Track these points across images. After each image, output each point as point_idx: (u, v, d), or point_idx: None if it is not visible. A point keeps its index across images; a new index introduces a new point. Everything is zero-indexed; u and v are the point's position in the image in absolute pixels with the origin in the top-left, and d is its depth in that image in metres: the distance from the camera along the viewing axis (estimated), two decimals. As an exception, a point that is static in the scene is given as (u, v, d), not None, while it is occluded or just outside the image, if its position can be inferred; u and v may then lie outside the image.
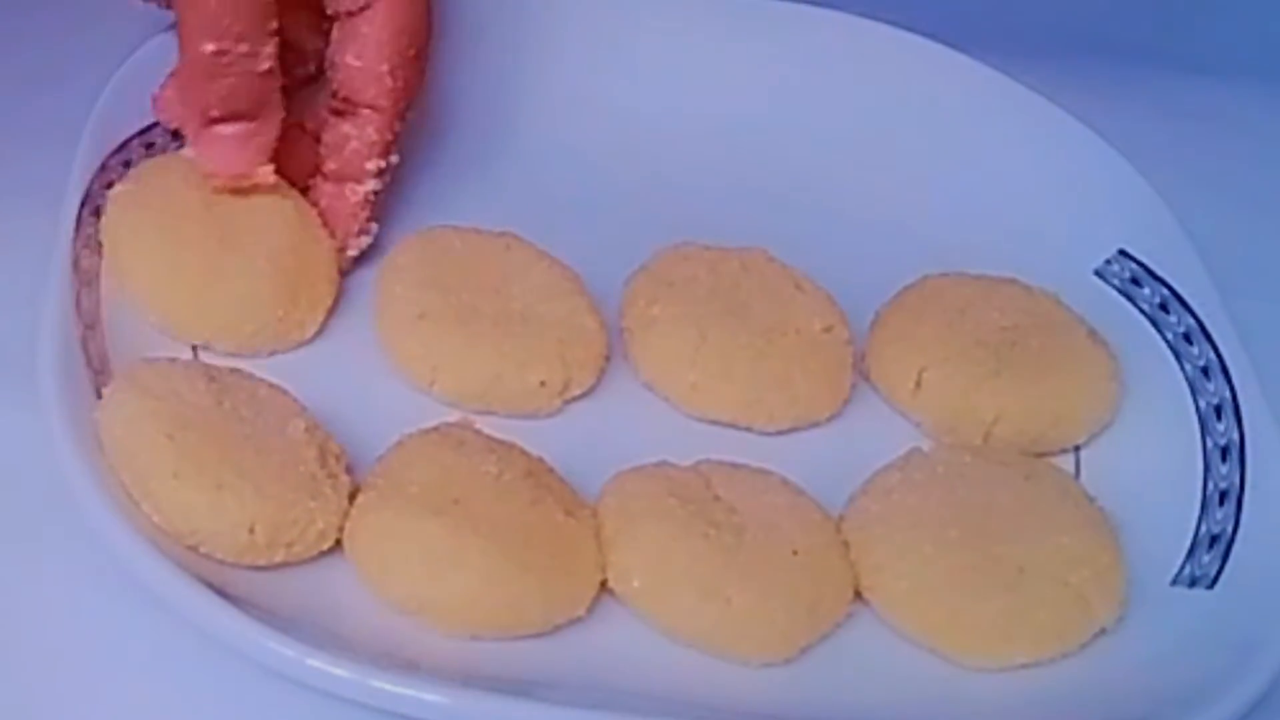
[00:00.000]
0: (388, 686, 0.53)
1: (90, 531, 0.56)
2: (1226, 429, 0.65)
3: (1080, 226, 0.73)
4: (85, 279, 0.62)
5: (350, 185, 0.66)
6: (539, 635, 0.58)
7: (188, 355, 0.63)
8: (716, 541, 0.59)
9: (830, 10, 0.77)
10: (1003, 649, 0.60)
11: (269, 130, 0.64)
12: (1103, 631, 0.60)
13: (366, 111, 0.65)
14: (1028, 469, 0.64)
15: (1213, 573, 0.61)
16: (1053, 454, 0.66)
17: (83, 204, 0.63)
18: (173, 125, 0.67)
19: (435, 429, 0.61)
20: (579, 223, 0.71)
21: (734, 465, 0.63)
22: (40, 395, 0.57)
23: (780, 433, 0.66)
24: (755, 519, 0.60)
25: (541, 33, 0.76)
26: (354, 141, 0.66)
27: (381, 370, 0.65)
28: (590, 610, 0.59)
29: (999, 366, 0.66)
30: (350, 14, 0.64)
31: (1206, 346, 0.67)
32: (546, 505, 0.59)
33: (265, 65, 0.62)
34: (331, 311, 0.66)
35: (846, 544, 0.61)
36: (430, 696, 0.53)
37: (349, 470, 0.60)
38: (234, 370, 0.61)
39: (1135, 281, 0.71)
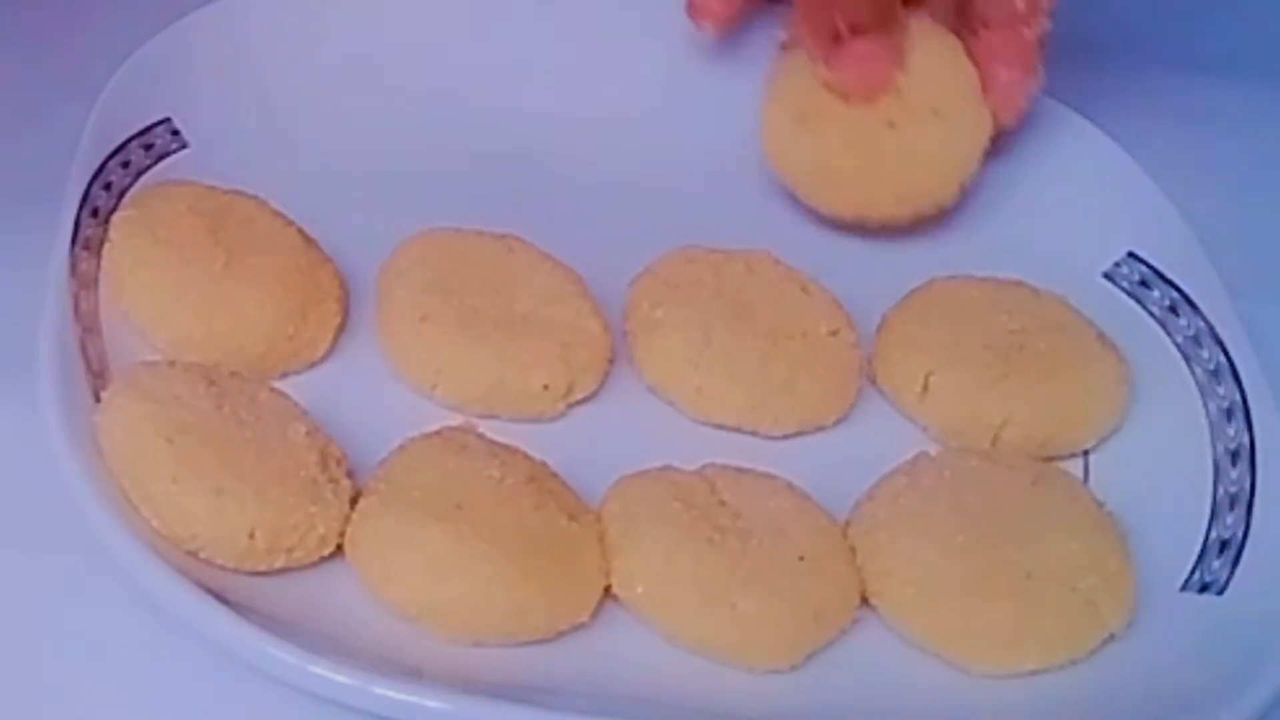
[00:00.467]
0: (390, 693, 0.53)
1: (89, 537, 0.55)
2: (1236, 433, 0.65)
3: (1089, 228, 0.73)
4: (84, 281, 0.62)
5: (1021, 27, 0.68)
6: (542, 641, 0.58)
7: (187, 359, 0.63)
8: (721, 547, 0.59)
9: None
10: (1011, 655, 0.59)
11: (897, 38, 0.67)
12: (1112, 638, 0.60)
13: None
14: (1036, 473, 0.64)
15: (1223, 578, 0.61)
16: (1061, 458, 0.66)
17: (81, 206, 0.63)
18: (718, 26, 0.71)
19: (437, 433, 0.61)
20: (583, 225, 0.71)
21: (739, 469, 0.63)
22: (38, 399, 0.57)
23: (786, 437, 0.66)
24: (760, 524, 0.60)
25: (544, 33, 0.76)
26: None
27: (383, 374, 0.64)
28: (594, 616, 0.58)
29: (1007, 370, 0.66)
30: None
31: (1216, 349, 0.67)
32: (550, 510, 0.59)
33: None
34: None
35: (853, 549, 0.61)
36: (432, 703, 0.53)
37: (350, 475, 0.59)
38: (234, 374, 0.61)
39: (1144, 284, 0.71)
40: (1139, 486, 0.65)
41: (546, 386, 0.64)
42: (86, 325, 0.61)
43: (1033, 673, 0.59)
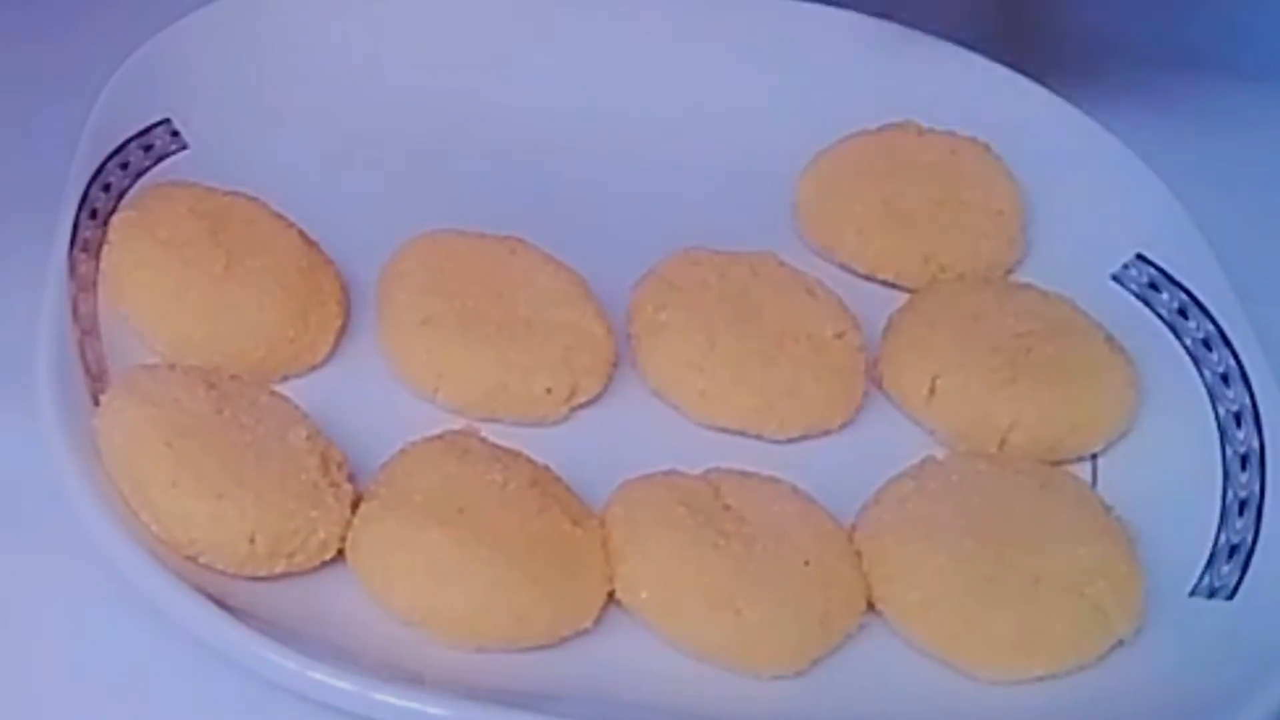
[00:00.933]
0: (391, 699, 0.53)
1: (87, 541, 0.55)
2: (1246, 437, 0.64)
3: (1097, 230, 0.72)
4: (82, 284, 0.62)
5: None
6: (545, 647, 0.58)
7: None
8: (726, 552, 0.59)
9: (843, 10, 0.78)
10: (1018, 661, 0.59)
11: None
12: (1120, 643, 0.60)
13: None
14: (1044, 478, 0.63)
15: (1232, 583, 0.61)
16: (1069, 462, 0.66)
17: (80, 207, 0.63)
18: None
19: (439, 437, 0.61)
20: (586, 227, 0.71)
21: (744, 474, 0.63)
22: (37, 402, 0.57)
23: (791, 441, 0.66)
24: (766, 529, 0.60)
25: (547, 34, 0.76)
26: None
27: (384, 377, 0.64)
28: (597, 622, 0.58)
29: (1014, 373, 0.65)
30: None
31: (1226, 352, 0.67)
32: (553, 515, 0.59)
33: None
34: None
35: (859, 554, 0.61)
36: (434, 710, 0.53)
37: (351, 479, 0.59)
38: (234, 377, 0.61)
39: (1153, 286, 0.70)
40: (1148, 491, 0.65)
41: (549, 390, 0.64)
42: (85, 328, 0.61)
43: (1040, 679, 0.59)
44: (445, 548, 0.56)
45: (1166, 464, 0.65)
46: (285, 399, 0.61)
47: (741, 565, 0.58)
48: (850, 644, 0.60)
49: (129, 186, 0.66)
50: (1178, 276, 0.70)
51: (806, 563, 0.59)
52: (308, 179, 0.70)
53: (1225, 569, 0.61)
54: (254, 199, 0.66)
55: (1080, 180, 0.74)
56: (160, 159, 0.68)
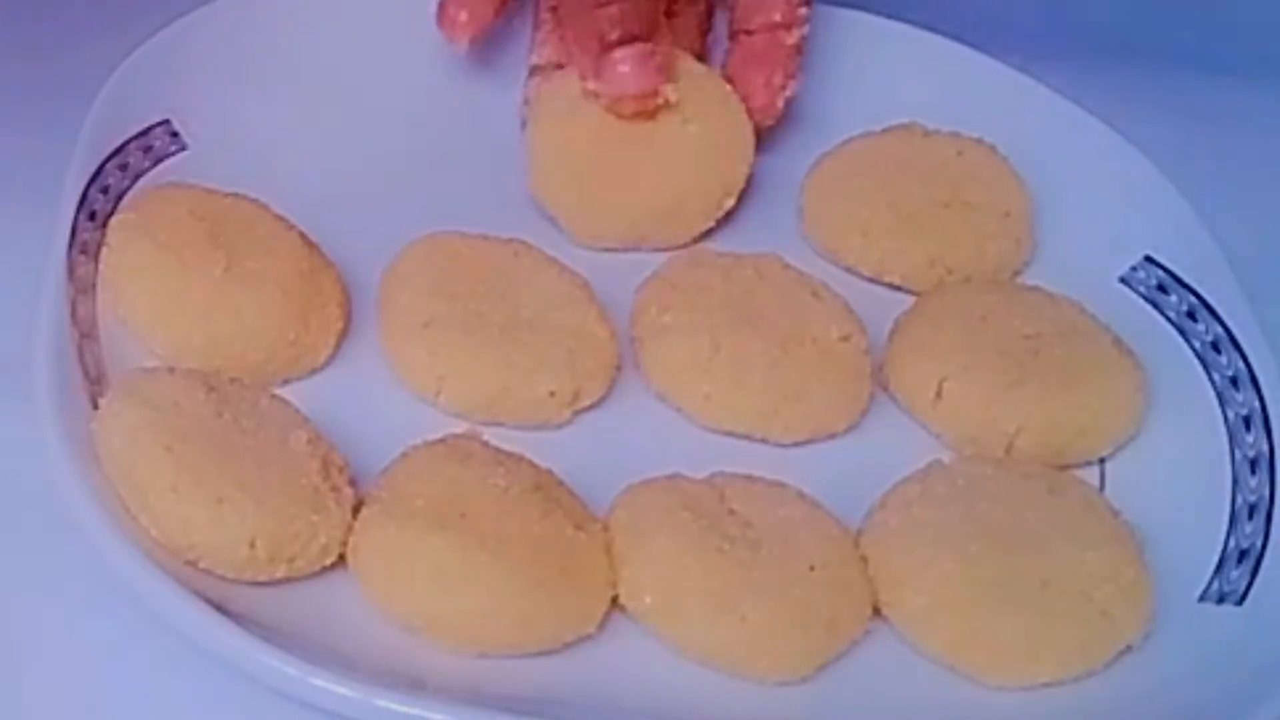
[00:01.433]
0: (393, 705, 0.53)
1: (86, 546, 0.55)
2: (1255, 440, 0.64)
3: (1105, 232, 0.72)
4: (81, 286, 0.62)
5: (780, 33, 0.69)
6: (548, 653, 0.58)
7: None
8: (731, 556, 0.58)
9: (851, 10, 0.78)
10: (1025, 667, 0.59)
11: (664, 47, 0.68)
12: (1128, 649, 0.60)
13: None
14: (1051, 482, 0.63)
15: (1241, 588, 0.61)
16: (1077, 466, 0.66)
17: (79, 209, 0.63)
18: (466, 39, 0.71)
19: (441, 440, 0.61)
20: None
21: (749, 478, 0.62)
22: (35, 406, 0.57)
23: (796, 444, 0.66)
24: (771, 533, 0.60)
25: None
26: None
27: (386, 380, 0.64)
28: (601, 627, 0.58)
29: (1022, 376, 0.65)
30: None
31: (1235, 356, 0.67)
32: (556, 519, 0.58)
33: None
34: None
35: (865, 559, 0.61)
36: (436, 716, 0.53)
37: (352, 483, 0.59)
38: (234, 380, 0.61)
39: (1162, 289, 0.70)
40: (1156, 495, 0.64)
41: (552, 393, 0.64)
42: (84, 331, 0.61)
43: (1047, 685, 0.59)
44: (447, 553, 0.56)
45: (1175, 468, 0.65)
46: (286, 402, 0.61)
47: (746, 570, 0.58)
48: (856, 649, 0.60)
49: (128, 188, 0.66)
50: (1186, 279, 0.70)
51: (812, 568, 0.59)
52: (308, 180, 0.69)
53: (1234, 574, 0.61)
54: (254, 200, 0.66)
55: (1088, 182, 0.74)
56: (159, 160, 0.68)
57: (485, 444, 0.61)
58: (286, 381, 0.63)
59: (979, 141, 0.73)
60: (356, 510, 0.58)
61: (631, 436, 0.65)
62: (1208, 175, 0.74)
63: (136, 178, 0.66)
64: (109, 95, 0.66)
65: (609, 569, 0.59)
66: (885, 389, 0.68)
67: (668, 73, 0.68)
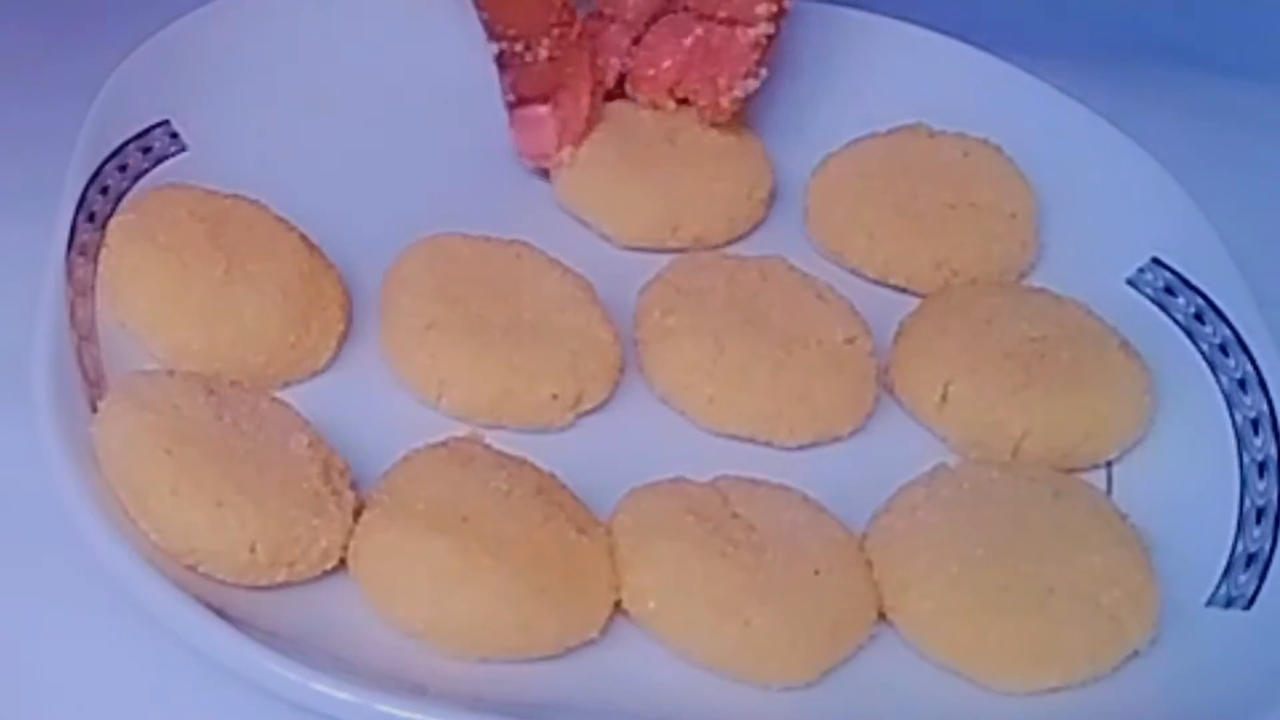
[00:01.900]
0: (394, 710, 0.52)
1: (85, 550, 0.55)
2: (1264, 444, 0.64)
3: (1112, 234, 0.72)
4: (80, 288, 0.61)
5: (741, 29, 0.70)
6: (551, 658, 0.57)
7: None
8: (735, 560, 0.58)
9: (858, 11, 0.78)
10: (1032, 672, 0.59)
11: (568, 110, 0.70)
12: (1135, 654, 0.60)
13: None
14: (1058, 485, 0.63)
15: (1249, 593, 0.61)
16: (1084, 470, 0.66)
17: (78, 210, 0.63)
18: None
19: (443, 444, 0.60)
20: (592, 230, 0.71)
21: (753, 481, 0.62)
22: (34, 409, 0.57)
23: (801, 448, 0.65)
24: (775, 537, 0.60)
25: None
26: None
27: (387, 383, 0.64)
28: (604, 632, 0.58)
29: (1028, 379, 0.65)
30: None
31: (1243, 358, 0.66)
32: (558, 523, 0.58)
33: (544, 55, 0.68)
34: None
35: (869, 563, 0.61)
36: (438, 721, 0.53)
37: (353, 487, 0.59)
38: (234, 383, 0.61)
39: (1169, 291, 0.70)
40: (1163, 499, 0.64)
41: (555, 396, 0.64)
42: (83, 333, 0.60)
43: (1054, 690, 0.59)
44: (449, 557, 0.56)
45: (1182, 471, 0.65)
46: (286, 405, 0.61)
47: (751, 574, 0.58)
48: (861, 654, 0.59)
49: (127, 189, 0.66)
50: (1194, 281, 0.70)
51: (817, 572, 0.59)
52: (309, 181, 0.69)
53: (1242, 578, 0.61)
54: (254, 202, 0.66)
55: (1094, 183, 0.73)
56: (159, 161, 0.68)
57: (487, 447, 0.61)
58: (287, 384, 0.63)
59: (985, 142, 0.73)
60: (357, 514, 0.58)
61: (635, 440, 0.65)
62: (1216, 177, 0.74)
63: (136, 179, 0.66)
64: (108, 96, 0.66)
65: (612, 573, 0.59)
66: (890, 392, 0.67)
67: (567, 137, 0.70)
